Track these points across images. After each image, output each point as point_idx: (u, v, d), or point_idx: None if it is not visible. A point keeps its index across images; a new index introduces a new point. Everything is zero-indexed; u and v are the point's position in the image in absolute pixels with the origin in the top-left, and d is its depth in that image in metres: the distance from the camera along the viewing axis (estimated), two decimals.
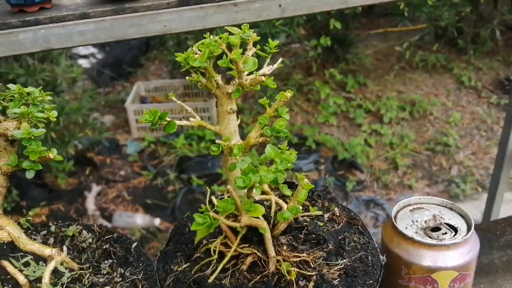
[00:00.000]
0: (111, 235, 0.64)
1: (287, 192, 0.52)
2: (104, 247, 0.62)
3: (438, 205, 0.72)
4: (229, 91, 0.55)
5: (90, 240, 0.64)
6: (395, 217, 0.70)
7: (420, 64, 4.39)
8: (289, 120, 0.55)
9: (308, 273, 0.58)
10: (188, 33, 1.81)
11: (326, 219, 0.67)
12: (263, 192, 0.60)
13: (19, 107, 0.55)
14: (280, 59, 0.58)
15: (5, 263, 0.58)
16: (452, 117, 3.61)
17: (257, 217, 0.57)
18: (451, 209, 0.71)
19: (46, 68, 2.51)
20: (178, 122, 0.56)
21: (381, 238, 0.69)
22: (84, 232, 0.64)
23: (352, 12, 3.16)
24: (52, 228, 0.66)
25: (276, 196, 0.64)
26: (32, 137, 0.54)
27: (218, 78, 0.55)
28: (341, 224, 0.66)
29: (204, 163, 3.07)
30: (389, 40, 4.92)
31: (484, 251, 0.81)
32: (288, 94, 0.54)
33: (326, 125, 3.55)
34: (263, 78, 0.53)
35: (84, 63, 4.27)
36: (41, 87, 0.58)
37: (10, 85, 0.56)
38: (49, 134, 2.24)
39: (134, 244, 0.63)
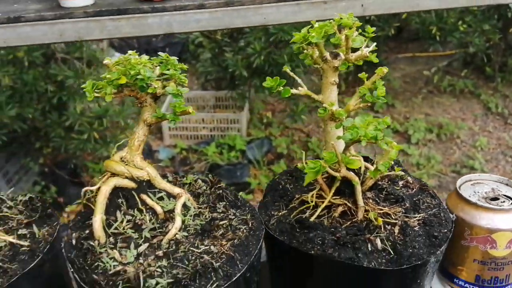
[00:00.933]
0: (220, 185, 0.78)
1: (385, 146, 0.65)
2: (218, 192, 0.76)
3: (495, 181, 0.84)
4: (336, 65, 0.69)
5: (204, 187, 0.78)
6: (459, 188, 0.82)
7: (448, 89, 4.50)
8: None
9: (392, 221, 0.71)
10: (285, 25, 1.95)
11: (401, 185, 0.80)
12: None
13: (168, 70, 0.70)
14: (374, 44, 0.72)
15: (145, 197, 0.72)
16: (479, 142, 3.70)
17: (353, 171, 0.70)
18: (507, 184, 0.83)
19: (92, 72, 2.69)
20: (292, 90, 0.71)
21: (446, 206, 0.82)
22: (199, 181, 0.78)
23: (384, 35, 3.31)
24: (170, 178, 0.80)
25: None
26: (179, 93, 0.68)
27: (327, 54, 0.69)
28: (414, 189, 0.79)
29: (233, 172, 3.18)
30: (417, 64, 5.06)
31: None
32: (385, 69, 0.68)
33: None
34: (368, 54, 0.67)
35: None
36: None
37: (160, 53, 0.71)
38: (92, 133, 2.39)
39: (240, 193, 0.76)
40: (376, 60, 0.69)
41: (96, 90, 0.68)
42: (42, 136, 2.24)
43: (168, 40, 5.74)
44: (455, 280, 0.85)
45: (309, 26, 0.67)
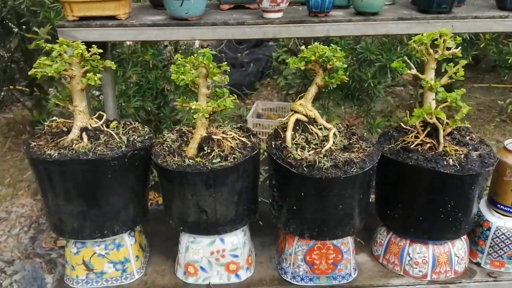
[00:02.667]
0: (353, 126, 1.33)
1: (460, 103, 1.17)
2: (351, 130, 1.31)
3: None
4: (436, 57, 1.23)
5: (342, 127, 1.33)
6: (506, 144, 1.32)
7: None
8: None
9: (460, 153, 1.22)
10: (401, 35, 2.39)
11: (468, 138, 1.31)
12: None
13: (334, 55, 1.26)
14: (460, 47, 1.24)
15: (312, 127, 1.28)
16: None
17: (438, 121, 1.23)
18: None
19: None
20: (408, 71, 1.25)
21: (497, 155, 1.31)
22: (339, 124, 1.34)
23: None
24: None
25: None
26: (341, 68, 1.24)
27: (431, 50, 1.23)
28: (476, 141, 1.30)
29: None
30: (492, 94, 5.38)
31: None
32: (465, 61, 1.21)
33: None
34: (456, 51, 1.20)
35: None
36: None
37: (331, 44, 1.27)
38: None
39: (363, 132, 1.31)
40: (460, 54, 1.22)
41: (294, 65, 1.26)
42: (152, 127, 2.71)
43: (253, 56, 6.43)
44: (498, 205, 1.34)
45: (418, 36, 1.22)
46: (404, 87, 5.08)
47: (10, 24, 2.49)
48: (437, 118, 1.24)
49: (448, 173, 1.17)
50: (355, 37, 2.29)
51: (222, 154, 1.20)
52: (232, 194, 1.23)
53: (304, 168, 1.17)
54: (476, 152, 1.24)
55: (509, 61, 3.54)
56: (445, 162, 1.20)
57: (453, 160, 1.20)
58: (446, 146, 1.25)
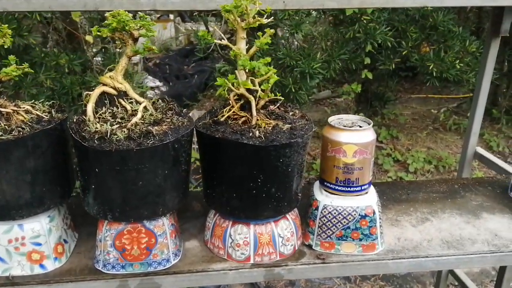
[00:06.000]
0: (172, 102, 1.28)
1: (263, 72, 1.14)
2: (169, 106, 1.27)
3: (357, 119, 1.31)
4: (243, 25, 1.20)
5: (162, 104, 1.29)
6: (330, 120, 1.29)
7: (453, 127, 4.89)
8: None
9: (270, 126, 1.19)
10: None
11: (291, 113, 1.28)
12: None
13: (143, 21, 1.22)
14: (272, 17, 1.22)
15: (121, 100, 1.22)
16: (475, 175, 4.03)
17: (250, 93, 1.19)
18: (364, 121, 1.29)
19: None
20: (216, 41, 1.22)
21: (320, 133, 1.28)
22: (160, 100, 1.29)
23: (385, 69, 3.79)
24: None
25: None
26: (147, 35, 1.20)
27: (239, 19, 1.20)
28: (297, 116, 1.27)
29: None
30: (428, 105, 5.49)
31: None
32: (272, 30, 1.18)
33: None
34: (262, 20, 1.18)
35: (151, 93, 5.20)
36: None
37: (139, 12, 1.24)
38: None
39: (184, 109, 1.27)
40: (264, 22, 1.19)
41: (97, 33, 1.21)
42: None
43: (198, 68, 6.45)
44: (325, 183, 1.30)
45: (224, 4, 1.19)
46: (344, 97, 5.14)
47: None
48: (248, 90, 1.21)
49: (251, 144, 1.13)
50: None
51: (7, 129, 1.14)
52: (22, 173, 1.15)
53: (95, 141, 1.11)
54: (289, 125, 1.21)
55: (430, 68, 3.61)
56: (250, 134, 1.16)
57: (259, 132, 1.16)
58: (258, 120, 1.21)
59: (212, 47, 3.29)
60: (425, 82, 5.42)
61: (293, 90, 2.91)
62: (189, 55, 6.87)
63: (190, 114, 4.16)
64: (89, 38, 2.86)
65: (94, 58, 2.92)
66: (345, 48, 3.09)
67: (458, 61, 3.69)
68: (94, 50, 3.02)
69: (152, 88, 5.34)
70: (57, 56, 2.28)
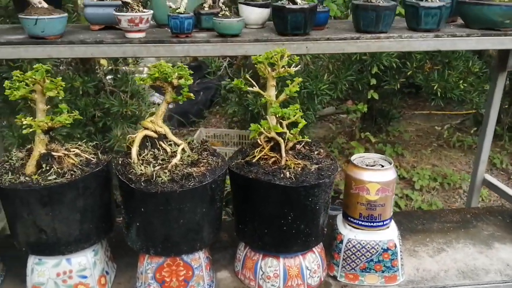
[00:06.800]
0: (206, 143, 1.39)
1: (293, 118, 1.25)
2: (204, 147, 1.38)
3: (378, 158, 1.41)
4: (273, 75, 1.32)
5: (197, 144, 1.39)
6: (353, 159, 1.40)
7: (457, 144, 5.01)
8: None
9: (299, 166, 1.30)
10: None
11: (316, 152, 1.39)
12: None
13: (181, 71, 1.33)
14: (299, 65, 1.33)
15: (161, 143, 1.33)
16: (480, 193, 4.14)
17: (280, 136, 1.30)
18: (385, 159, 1.40)
19: (134, 103, 3.36)
20: (249, 89, 1.33)
21: (343, 170, 1.39)
22: (195, 141, 1.40)
23: (391, 88, 3.91)
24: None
25: None
26: (186, 84, 1.31)
27: (269, 68, 1.32)
28: (323, 155, 1.38)
29: None
30: (432, 121, 5.61)
31: None
32: (300, 79, 1.29)
33: None
34: (290, 70, 1.29)
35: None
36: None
37: (178, 63, 1.35)
38: None
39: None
40: (293, 72, 1.31)
41: (141, 81, 1.33)
42: None
43: (203, 85, 6.60)
44: (349, 218, 1.41)
45: (257, 55, 1.31)
46: (348, 114, 5.26)
47: None
48: (278, 133, 1.32)
49: (283, 185, 1.24)
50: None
51: (60, 171, 1.25)
52: (73, 212, 1.26)
53: (142, 183, 1.22)
54: (316, 165, 1.32)
55: (435, 88, 3.73)
56: (281, 175, 1.27)
57: (290, 173, 1.27)
58: (288, 160, 1.32)
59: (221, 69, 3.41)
60: (430, 101, 5.56)
61: (301, 111, 3.05)
62: (195, 72, 6.99)
63: (198, 132, 4.17)
64: (103, 62, 2.98)
65: (106, 77, 3.02)
66: (352, 70, 3.22)
67: (461, 81, 3.81)
68: (105, 70, 3.13)
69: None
70: (72, 79, 2.36)
